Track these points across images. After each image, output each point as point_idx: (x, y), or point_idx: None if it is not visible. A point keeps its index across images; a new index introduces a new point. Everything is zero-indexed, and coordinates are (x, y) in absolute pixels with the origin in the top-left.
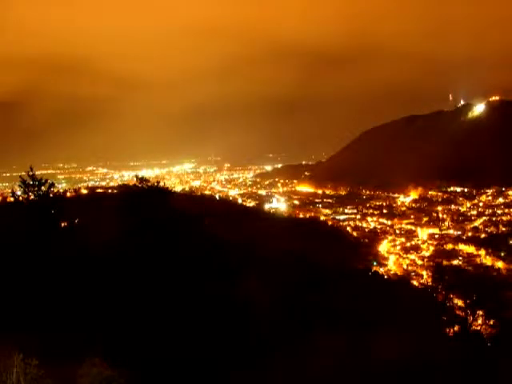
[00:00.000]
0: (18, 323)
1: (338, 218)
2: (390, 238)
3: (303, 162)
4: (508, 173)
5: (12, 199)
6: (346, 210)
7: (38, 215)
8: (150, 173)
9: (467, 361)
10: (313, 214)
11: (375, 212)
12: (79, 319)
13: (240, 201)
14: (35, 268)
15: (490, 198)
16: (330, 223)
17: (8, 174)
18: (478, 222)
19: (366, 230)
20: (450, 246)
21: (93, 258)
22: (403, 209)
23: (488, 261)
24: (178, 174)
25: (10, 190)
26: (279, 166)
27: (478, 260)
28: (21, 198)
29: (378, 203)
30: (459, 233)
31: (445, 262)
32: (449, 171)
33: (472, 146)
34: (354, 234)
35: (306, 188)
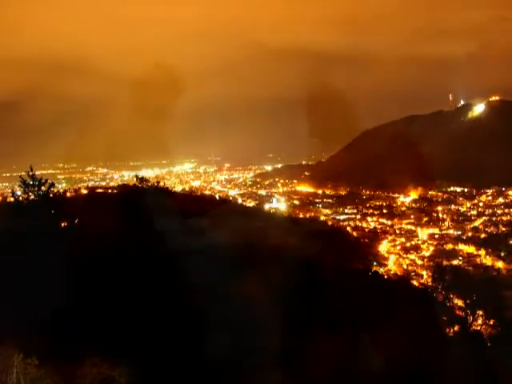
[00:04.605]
0: (18, 323)
1: (338, 218)
2: (390, 237)
3: (303, 162)
4: (508, 173)
5: (12, 199)
6: (346, 210)
7: (38, 215)
8: (150, 173)
9: (467, 361)
10: (313, 214)
11: (375, 212)
12: (79, 319)
13: (240, 201)
14: (35, 268)
15: (490, 197)
16: (330, 223)
17: (8, 174)
18: (477, 222)
19: (366, 230)
20: (450, 246)
21: (93, 258)
22: (403, 209)
23: (488, 261)
24: (178, 174)
25: (10, 190)
26: (279, 166)
27: (478, 260)
28: (21, 198)
29: (378, 203)
30: (459, 233)
31: (445, 262)
32: (449, 171)
33: (472, 146)
34: (354, 234)
35: (306, 188)
